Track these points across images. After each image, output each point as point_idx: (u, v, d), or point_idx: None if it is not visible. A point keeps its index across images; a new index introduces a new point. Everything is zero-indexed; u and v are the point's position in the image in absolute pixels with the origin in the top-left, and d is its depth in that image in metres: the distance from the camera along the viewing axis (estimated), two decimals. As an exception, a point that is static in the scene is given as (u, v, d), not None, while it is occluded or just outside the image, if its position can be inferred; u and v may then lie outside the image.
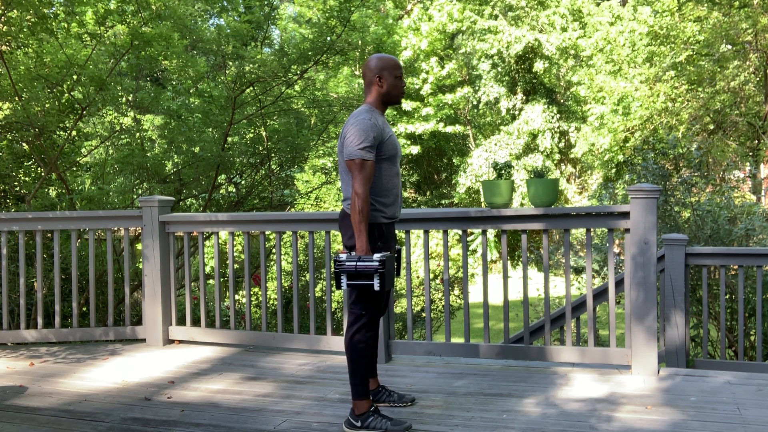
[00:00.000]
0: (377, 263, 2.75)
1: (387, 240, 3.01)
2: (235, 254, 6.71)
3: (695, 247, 4.74)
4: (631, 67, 15.85)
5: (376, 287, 2.76)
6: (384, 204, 2.96)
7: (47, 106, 5.96)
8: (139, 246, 7.44)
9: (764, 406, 3.13)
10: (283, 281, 6.19)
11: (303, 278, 7.72)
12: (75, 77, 5.86)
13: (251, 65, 6.95)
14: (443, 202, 21.64)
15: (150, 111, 7.56)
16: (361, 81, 19.91)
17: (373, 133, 2.82)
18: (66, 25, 6.44)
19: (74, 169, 6.99)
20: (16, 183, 6.53)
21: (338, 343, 4.26)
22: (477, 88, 20.46)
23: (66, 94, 6.01)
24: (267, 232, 6.83)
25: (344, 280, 2.78)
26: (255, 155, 7.69)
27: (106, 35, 6.24)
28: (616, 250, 8.42)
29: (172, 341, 4.73)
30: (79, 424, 3.09)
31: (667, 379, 3.61)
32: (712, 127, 14.89)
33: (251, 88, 7.10)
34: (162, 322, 4.64)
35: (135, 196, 6.80)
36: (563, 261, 5.83)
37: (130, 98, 6.93)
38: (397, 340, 4.18)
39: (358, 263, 2.76)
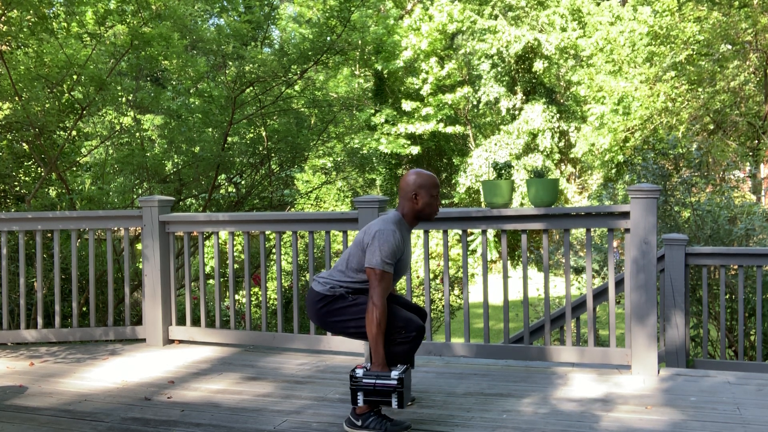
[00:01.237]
0: (395, 382, 2.71)
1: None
2: (235, 254, 6.71)
3: (695, 247, 4.74)
4: (631, 67, 15.85)
5: (394, 405, 2.73)
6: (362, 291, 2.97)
7: (47, 106, 5.96)
8: (139, 246, 7.44)
9: (764, 406, 3.13)
10: (283, 281, 6.18)
11: (303, 278, 7.72)
12: (75, 77, 5.86)
13: (251, 65, 6.95)
14: (443, 202, 21.65)
15: (150, 111, 7.56)
16: (361, 81, 19.95)
17: (398, 253, 2.87)
18: (66, 25, 6.44)
19: (74, 169, 6.99)
20: (16, 183, 6.53)
21: (338, 343, 4.26)
22: (477, 88, 20.46)
23: (66, 94, 6.01)
24: (267, 232, 6.83)
25: (361, 398, 2.76)
26: (255, 155, 7.69)
27: (106, 35, 6.24)
28: (616, 249, 8.41)
29: (172, 341, 4.73)
30: (79, 424, 3.09)
31: (667, 379, 3.61)
32: (712, 127, 14.89)
33: (251, 88, 7.10)
34: (162, 322, 4.64)
35: (135, 196, 6.80)
36: (563, 261, 5.83)
37: (130, 98, 6.92)
38: (397, 340, 4.17)
39: (377, 381, 2.73)
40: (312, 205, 13.12)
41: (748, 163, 13.59)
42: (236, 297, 7.76)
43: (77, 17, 6.44)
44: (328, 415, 3.14)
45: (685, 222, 6.41)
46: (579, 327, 5.11)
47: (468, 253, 16.51)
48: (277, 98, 7.38)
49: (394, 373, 2.72)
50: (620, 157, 16.77)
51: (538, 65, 19.22)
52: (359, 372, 2.76)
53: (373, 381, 2.73)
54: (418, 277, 10.19)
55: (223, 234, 8.15)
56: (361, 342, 4.16)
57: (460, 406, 3.21)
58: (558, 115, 19.75)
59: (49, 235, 5.55)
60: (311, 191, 11.62)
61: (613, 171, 17.84)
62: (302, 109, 8.60)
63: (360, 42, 15.93)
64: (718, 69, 13.90)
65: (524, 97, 20.10)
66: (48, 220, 4.65)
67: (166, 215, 4.61)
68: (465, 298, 4.10)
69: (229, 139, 7.36)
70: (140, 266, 5.82)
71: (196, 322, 5.79)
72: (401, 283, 8.62)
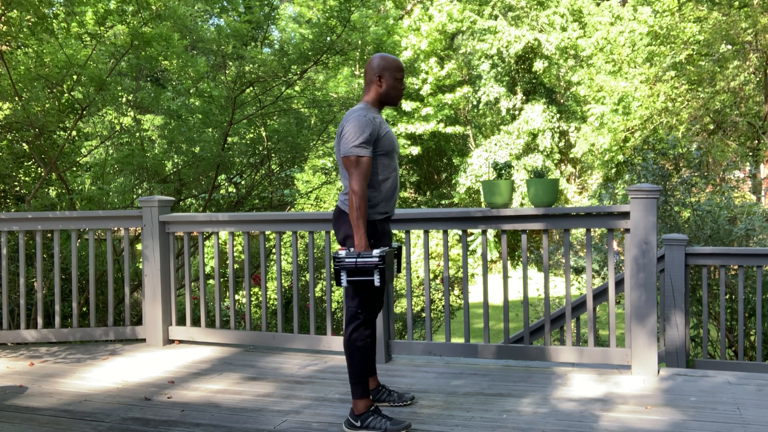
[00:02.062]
0: (377, 259, 2.75)
1: (380, 238, 3.01)
2: (235, 254, 6.71)
3: (695, 247, 4.74)
4: (631, 67, 15.85)
5: (377, 282, 2.76)
6: (378, 200, 2.96)
7: (47, 106, 5.96)
8: (139, 246, 7.44)
9: (764, 406, 3.13)
10: (283, 281, 6.19)
11: (303, 278, 7.72)
12: (75, 77, 5.86)
13: (251, 65, 6.95)
14: (443, 202, 21.64)
15: (150, 111, 7.55)
16: (361, 81, 19.95)
17: (369, 129, 2.83)
18: (66, 25, 6.44)
19: (74, 169, 6.99)
20: (16, 183, 6.53)
21: (338, 343, 4.26)
22: (477, 88, 20.46)
23: (66, 94, 6.01)
24: (267, 232, 6.83)
25: (344, 277, 2.79)
26: (255, 155, 7.69)
27: (106, 35, 6.24)
28: (616, 249, 8.41)
29: (172, 341, 4.73)
30: (79, 424, 3.09)
31: (667, 379, 3.61)
32: (712, 127, 14.89)
33: (251, 88, 7.10)
34: (162, 322, 4.64)
35: (135, 196, 6.80)
36: (563, 261, 5.83)
37: (130, 98, 6.92)
38: (397, 340, 4.18)
39: (358, 260, 2.77)
40: (312, 205, 13.12)
41: (748, 163, 13.59)
42: (236, 297, 7.76)
43: (77, 17, 6.44)
44: (328, 415, 3.14)
45: (685, 222, 6.42)
46: (579, 327, 5.11)
47: (468, 253, 16.55)
48: (277, 98, 7.38)
49: (376, 251, 2.77)
50: (620, 157, 16.78)
51: (538, 65, 19.22)
52: (342, 253, 2.80)
53: (355, 259, 2.77)
54: (418, 277, 10.20)
55: (223, 234, 8.15)
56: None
57: (460, 406, 3.21)
58: (558, 115, 19.75)
59: (49, 235, 5.56)
60: (311, 191, 11.62)
61: (613, 171, 17.85)
62: (302, 109, 8.60)
63: (360, 42, 15.91)
64: (718, 69, 13.91)
65: (524, 97, 20.10)
66: (48, 220, 4.65)
67: (166, 215, 4.61)
68: (465, 298, 4.10)
69: (229, 139, 7.37)
70: (140, 266, 5.83)
71: (196, 322, 5.79)
72: (401, 283, 8.65)
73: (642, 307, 3.66)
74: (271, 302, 7.78)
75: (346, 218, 2.94)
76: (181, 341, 4.74)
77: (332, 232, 4.45)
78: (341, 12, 6.98)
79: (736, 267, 5.18)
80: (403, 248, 5.19)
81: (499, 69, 19.75)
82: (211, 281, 8.86)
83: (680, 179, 6.67)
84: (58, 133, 6.36)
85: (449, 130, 20.41)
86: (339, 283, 2.81)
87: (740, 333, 4.67)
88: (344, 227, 2.95)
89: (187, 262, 5.18)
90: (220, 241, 5.89)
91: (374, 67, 2.96)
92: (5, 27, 5.77)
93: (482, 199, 7.65)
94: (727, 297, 5.55)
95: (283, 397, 3.43)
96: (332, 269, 2.85)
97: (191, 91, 7.91)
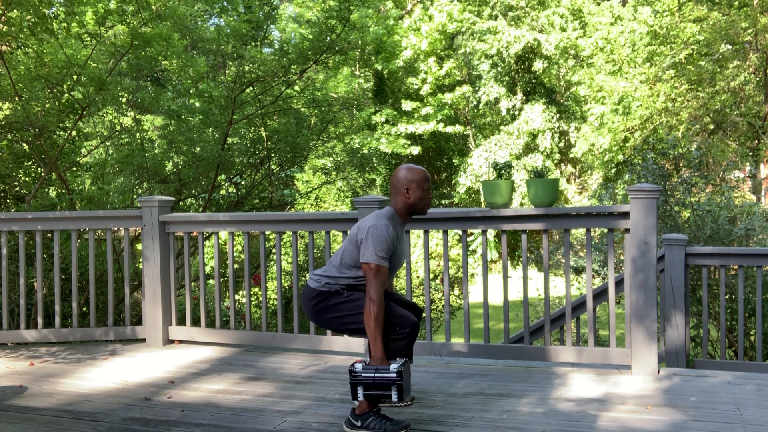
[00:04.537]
0: (395, 375, 2.71)
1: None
2: (235, 254, 6.70)
3: (695, 247, 4.74)
4: (631, 67, 15.85)
5: (394, 399, 2.73)
6: (357, 288, 2.97)
7: (47, 106, 5.96)
8: (139, 246, 7.44)
9: (764, 406, 3.13)
10: (283, 281, 6.18)
11: (303, 278, 7.71)
12: (75, 77, 5.86)
13: (251, 65, 6.94)
14: (443, 202, 21.64)
15: (150, 111, 7.55)
16: (361, 81, 19.95)
17: (391, 247, 2.87)
18: (66, 25, 6.44)
19: (74, 169, 6.99)
20: (16, 183, 6.52)
21: (338, 343, 4.26)
22: (477, 88, 20.46)
23: (66, 94, 6.01)
24: (267, 232, 6.83)
25: (361, 392, 2.76)
26: (255, 155, 7.69)
27: (106, 35, 6.23)
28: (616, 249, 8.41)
29: (172, 341, 4.73)
30: (79, 424, 3.08)
31: (667, 379, 3.61)
32: (712, 127, 14.89)
33: (251, 88, 7.10)
34: (162, 322, 4.64)
35: (135, 196, 6.79)
36: (563, 261, 5.83)
37: (130, 98, 6.92)
38: (397, 340, 4.17)
39: (376, 375, 2.73)
40: (312, 205, 13.12)
41: (748, 163, 13.59)
42: (236, 297, 7.76)
43: (77, 17, 6.44)
44: (328, 415, 3.14)
45: (685, 222, 6.41)
46: (579, 327, 5.11)
47: (468, 253, 16.54)
48: (277, 98, 7.38)
49: (393, 366, 2.73)
50: (620, 157, 16.79)
51: (538, 65, 19.22)
52: (358, 366, 2.76)
53: (372, 374, 2.73)
54: (418, 277, 10.20)
55: (223, 234, 8.15)
56: (361, 341, 4.16)
57: (460, 406, 3.21)
58: (558, 115, 19.75)
59: (49, 235, 5.55)
60: (311, 191, 11.62)
61: (613, 171, 17.85)
62: (302, 109, 8.60)
63: (360, 42, 15.91)
64: (718, 69, 13.91)
65: (524, 98, 20.10)
66: (48, 220, 4.65)
67: (166, 215, 4.61)
68: (465, 298, 4.10)
69: (229, 139, 7.36)
70: (140, 266, 5.82)
71: (196, 322, 5.79)
72: (401, 283, 8.64)
73: (642, 307, 3.66)
74: (271, 302, 7.78)
75: (321, 295, 2.96)
76: (181, 341, 4.74)
77: (332, 232, 4.45)
78: (341, 11, 6.98)
79: (736, 267, 5.17)
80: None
81: (499, 69, 19.74)
82: (211, 281, 8.86)
83: (680, 179, 6.67)
84: (58, 133, 6.36)
85: (449, 129, 20.40)
86: (355, 398, 2.79)
87: (740, 333, 4.67)
88: (318, 304, 2.96)
89: (187, 262, 5.18)
90: (220, 241, 5.89)
91: (401, 179, 2.97)
92: (5, 27, 5.77)
93: (482, 199, 7.65)
94: (727, 297, 5.55)
95: (283, 398, 3.43)
96: (349, 382, 2.82)
97: (191, 91, 7.91)
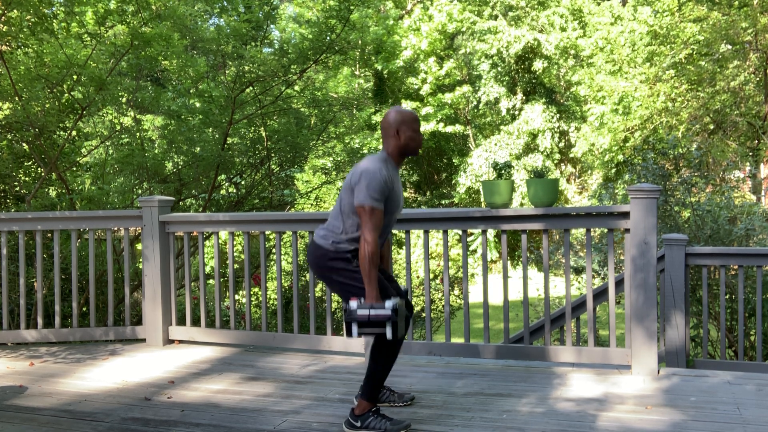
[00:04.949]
0: (389, 312, 2.71)
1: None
2: (235, 254, 6.71)
3: (695, 247, 4.74)
4: (631, 67, 15.86)
5: (389, 336, 2.73)
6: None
7: (47, 106, 5.96)
8: (139, 246, 7.44)
9: (764, 406, 3.13)
10: (283, 281, 6.18)
11: (303, 278, 7.71)
12: (75, 77, 5.86)
13: (251, 65, 6.95)
14: (443, 202, 21.64)
15: (150, 111, 7.56)
16: (361, 81, 19.95)
17: (384, 189, 2.86)
18: (66, 25, 6.44)
19: (74, 169, 6.99)
20: (16, 183, 6.53)
21: (338, 343, 4.26)
22: (477, 88, 20.46)
23: (66, 94, 6.01)
24: (267, 232, 6.82)
25: (355, 329, 2.75)
26: (255, 155, 7.69)
27: (106, 35, 6.24)
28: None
29: (172, 341, 4.73)
30: (79, 424, 3.09)
31: (667, 379, 3.61)
32: (712, 127, 14.90)
33: (251, 88, 7.10)
34: (162, 322, 4.64)
35: (135, 196, 6.80)
36: (563, 261, 5.83)
37: (130, 98, 6.92)
38: (397, 340, 4.17)
39: (371, 311, 2.73)
40: (312, 205, 13.12)
41: (748, 163, 13.59)
42: (236, 297, 7.76)
43: (77, 17, 6.44)
44: (328, 415, 3.14)
45: (685, 222, 6.41)
46: (579, 327, 5.11)
47: (468, 253, 16.55)
48: (277, 98, 7.38)
49: (388, 303, 2.73)
50: (620, 157, 16.79)
51: (538, 65, 19.22)
52: (353, 304, 2.75)
53: (367, 312, 2.72)
54: (418, 277, 10.19)
55: (223, 234, 8.15)
56: (361, 341, 4.16)
57: (460, 406, 3.21)
58: (558, 115, 19.75)
59: (49, 235, 5.55)
60: (311, 191, 11.61)
61: (613, 171, 17.85)
62: (302, 109, 8.60)
63: (360, 42, 15.93)
64: (718, 69, 13.91)
65: (524, 98, 20.10)
66: (48, 220, 4.65)
67: (166, 215, 4.61)
68: (465, 298, 4.10)
69: (229, 139, 7.36)
70: (140, 266, 5.83)
71: (196, 322, 5.79)
72: (401, 283, 8.64)
73: (642, 307, 3.66)
74: (271, 302, 7.78)
75: (328, 254, 2.94)
76: (181, 341, 4.74)
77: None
78: (341, 11, 6.98)
79: (736, 267, 5.18)
80: (403, 249, 5.16)
81: (499, 69, 19.75)
82: (211, 281, 8.86)
83: (680, 179, 6.67)
84: (58, 133, 6.36)
85: (449, 129, 20.40)
86: (350, 335, 2.77)
87: (740, 333, 4.67)
88: (325, 263, 2.94)
89: (187, 262, 5.18)
90: (220, 241, 5.89)
91: (391, 122, 2.98)
92: (5, 27, 5.77)
93: (482, 199, 7.65)
94: (727, 297, 5.55)
95: (283, 397, 3.43)
96: (344, 320, 2.82)
97: (191, 91, 7.91)
